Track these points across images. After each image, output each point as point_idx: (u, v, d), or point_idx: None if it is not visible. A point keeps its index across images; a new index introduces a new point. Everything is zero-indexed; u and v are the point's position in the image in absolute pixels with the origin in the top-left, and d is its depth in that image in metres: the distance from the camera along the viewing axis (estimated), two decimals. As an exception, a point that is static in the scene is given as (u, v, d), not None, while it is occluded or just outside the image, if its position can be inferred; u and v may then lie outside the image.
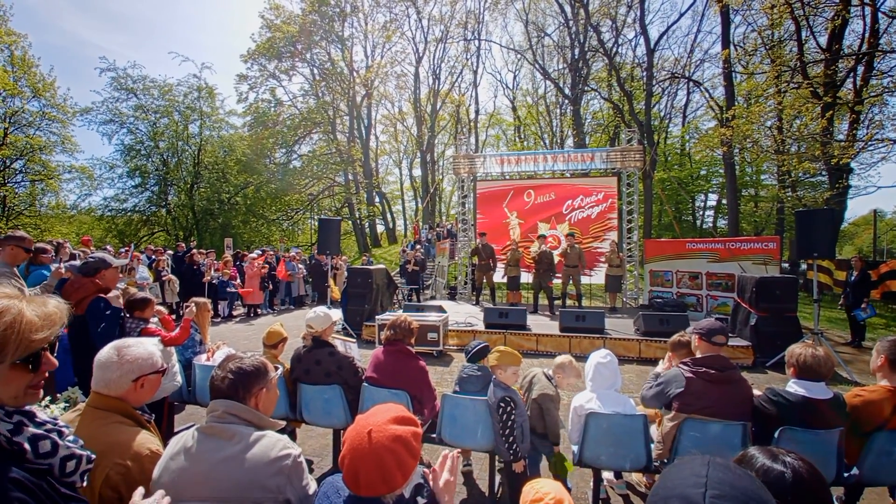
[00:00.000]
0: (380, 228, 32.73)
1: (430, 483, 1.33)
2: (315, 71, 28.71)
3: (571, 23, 25.24)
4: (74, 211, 25.58)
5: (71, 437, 1.03)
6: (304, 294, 13.22)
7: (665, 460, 2.61)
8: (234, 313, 11.36)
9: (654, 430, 2.90)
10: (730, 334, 7.03)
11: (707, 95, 22.83)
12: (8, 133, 20.44)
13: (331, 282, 8.89)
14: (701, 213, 30.14)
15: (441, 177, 32.73)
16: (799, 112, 13.19)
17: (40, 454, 0.91)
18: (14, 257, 3.59)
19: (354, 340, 3.86)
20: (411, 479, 1.22)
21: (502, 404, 2.66)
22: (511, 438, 2.64)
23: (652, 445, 2.67)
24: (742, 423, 2.40)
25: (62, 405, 1.86)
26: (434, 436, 2.97)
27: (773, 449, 0.93)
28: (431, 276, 14.78)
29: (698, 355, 2.66)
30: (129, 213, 25.58)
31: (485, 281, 10.90)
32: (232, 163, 26.63)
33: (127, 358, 1.48)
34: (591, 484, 3.11)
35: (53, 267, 4.02)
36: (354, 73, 28.44)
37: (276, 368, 1.71)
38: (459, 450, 1.51)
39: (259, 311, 11.28)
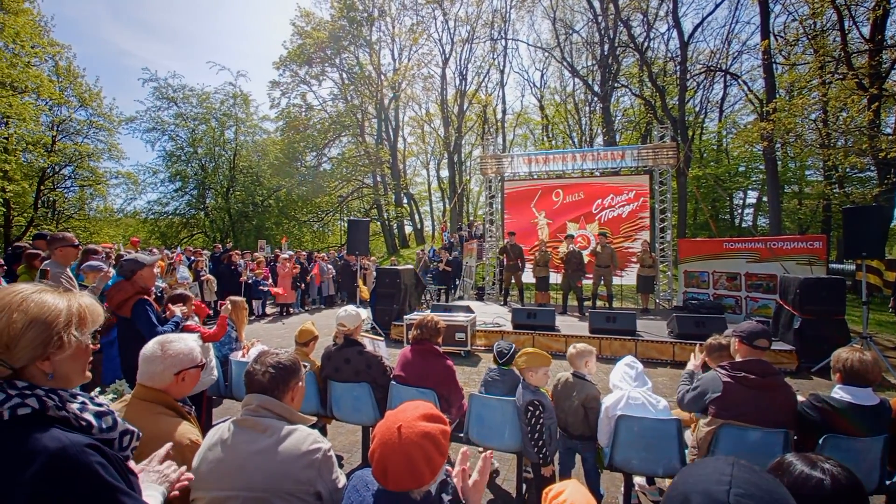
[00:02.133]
0: (408, 229, 33.00)
1: (454, 480, 1.34)
2: (344, 75, 29.28)
3: (600, 18, 24.71)
4: (121, 214, 27.11)
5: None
6: (333, 294, 13.51)
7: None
8: (268, 312, 11.72)
9: (688, 435, 2.81)
10: (772, 338, 6.73)
11: (746, 88, 21.88)
12: (56, 140, 21.79)
13: (360, 282, 9.03)
14: (740, 211, 28.89)
15: (468, 177, 32.67)
16: (844, 104, 12.47)
17: (103, 429, 1.00)
18: (65, 258, 3.82)
19: (383, 339, 3.92)
20: (438, 476, 1.24)
21: (531, 407, 2.64)
22: (540, 442, 2.61)
23: (687, 451, 2.59)
24: (783, 430, 2.29)
25: (110, 396, 1.98)
26: (461, 435, 2.98)
27: (811, 456, 0.90)
28: (459, 277, 14.79)
29: (738, 359, 2.56)
30: (170, 216, 26.85)
31: (513, 281, 10.82)
32: (265, 166, 27.50)
33: (169, 353, 1.58)
34: (622, 489, 3.05)
35: (84, 267, 4.25)
36: (382, 77, 28.81)
37: (305, 366, 1.78)
38: (490, 451, 1.52)
39: (291, 310, 11.60)
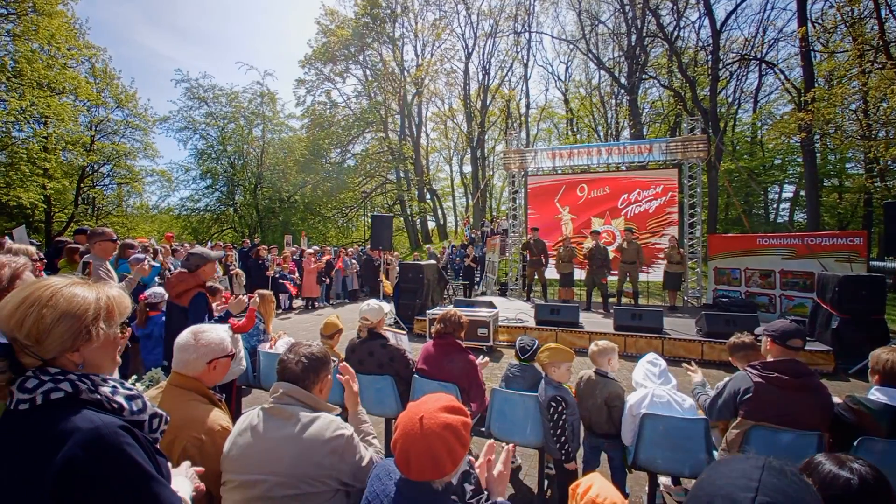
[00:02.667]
0: (430, 225, 33.10)
1: (477, 470, 1.35)
2: (367, 72, 29.50)
3: (628, 8, 24.06)
4: (156, 211, 28.22)
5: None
6: (357, 288, 13.71)
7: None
8: (294, 306, 12.00)
9: (715, 436, 2.74)
10: (808, 338, 6.47)
11: (782, 77, 20.94)
12: (95, 140, 22.80)
13: (382, 277, 9.14)
14: (775, 206, 27.77)
15: (492, 173, 32.47)
16: (884, 94, 11.80)
17: (134, 411, 1.04)
18: (104, 251, 4.00)
19: (405, 332, 3.96)
20: (459, 467, 1.25)
21: (553, 403, 2.62)
22: (562, 438, 2.60)
23: (715, 452, 2.53)
24: (817, 432, 2.21)
25: (146, 383, 2.08)
26: (483, 429, 2.99)
27: (840, 456, 0.87)
28: (481, 272, 14.78)
29: (769, 359, 2.47)
30: (201, 213, 27.75)
31: (536, 277, 10.73)
32: (291, 163, 28.05)
33: (202, 342, 1.65)
34: (647, 488, 3.00)
35: (131, 260, 4.44)
36: (405, 73, 28.90)
37: (334, 360, 1.82)
38: (513, 444, 1.53)
39: (316, 304, 11.84)
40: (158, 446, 1.09)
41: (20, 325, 0.93)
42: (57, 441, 0.88)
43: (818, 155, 20.17)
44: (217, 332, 1.72)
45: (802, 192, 22.32)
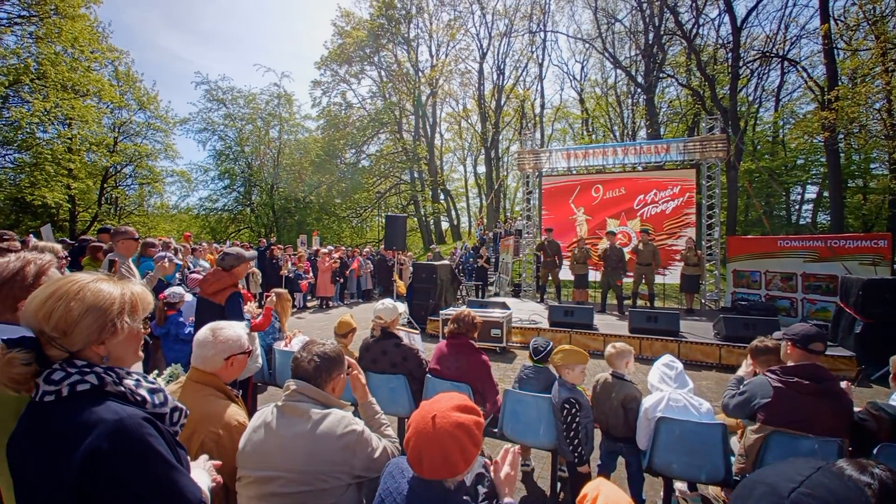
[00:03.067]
0: (444, 225, 33.15)
1: (492, 474, 1.35)
2: (382, 73, 29.70)
3: (645, 6, 23.71)
4: (175, 210, 28.82)
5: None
6: (371, 288, 13.81)
7: (747, 475, 2.41)
8: (308, 305, 12.13)
9: (733, 442, 2.69)
10: (830, 342, 6.30)
11: (805, 75, 20.37)
12: (118, 142, 23.41)
13: (396, 277, 9.17)
14: (797, 207, 27.04)
15: (506, 173, 32.38)
16: (907, 94, 11.43)
17: (156, 404, 1.07)
18: (127, 249, 4.11)
19: (418, 332, 3.98)
20: (473, 467, 1.25)
21: (567, 405, 2.60)
22: (576, 441, 2.58)
23: (733, 458, 2.48)
24: (837, 439, 2.17)
25: (167, 378, 2.13)
26: (496, 430, 2.98)
27: (862, 461, 0.85)
28: (495, 273, 14.74)
29: (790, 364, 2.41)
30: (219, 212, 28.29)
31: (550, 278, 10.66)
32: (307, 164, 28.39)
33: (220, 338, 1.68)
34: (662, 493, 2.96)
35: (156, 258, 4.54)
36: (419, 73, 29.00)
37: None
38: (519, 446, 1.53)
39: (331, 303, 11.94)
40: (178, 439, 1.11)
41: (48, 317, 0.96)
42: (82, 431, 0.91)
43: (842, 155, 19.60)
44: (235, 329, 1.75)
45: (825, 193, 21.72)
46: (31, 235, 6.65)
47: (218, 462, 1.37)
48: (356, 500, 1.53)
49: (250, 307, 3.73)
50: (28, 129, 18.15)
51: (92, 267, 4.75)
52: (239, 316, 3.16)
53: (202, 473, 1.25)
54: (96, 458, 0.89)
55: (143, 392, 1.05)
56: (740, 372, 2.88)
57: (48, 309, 0.97)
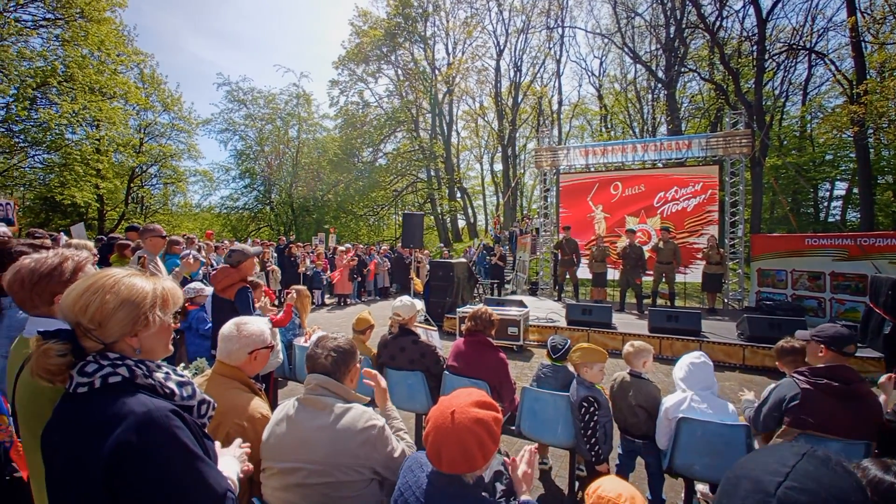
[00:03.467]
0: (461, 223, 33.14)
1: (510, 472, 1.36)
2: (399, 72, 29.77)
3: (667, -1, 23.22)
4: (198, 209, 29.50)
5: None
6: (388, 286, 13.91)
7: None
8: (326, 302, 12.29)
9: (756, 445, 2.63)
10: (859, 344, 6.10)
11: (833, 68, 19.62)
12: (143, 142, 24.08)
13: (413, 274, 9.22)
14: (825, 204, 26.12)
15: (522, 171, 32.17)
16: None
17: (185, 397, 1.10)
18: (154, 246, 4.24)
19: (436, 329, 4.00)
20: (491, 464, 1.26)
21: (585, 404, 2.59)
22: (593, 439, 2.56)
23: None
24: (865, 441, 2.13)
25: (193, 371, 2.19)
26: (513, 428, 2.98)
27: (887, 461, 0.84)
28: (512, 272, 14.67)
29: (820, 365, 2.35)
30: (240, 211, 28.84)
31: (567, 277, 10.56)
32: (325, 163, 28.70)
33: (244, 333, 1.73)
34: (683, 495, 2.92)
35: (182, 255, 4.68)
36: (436, 71, 28.99)
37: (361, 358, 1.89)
38: (536, 444, 1.53)
39: (348, 300, 12.08)
40: (205, 431, 1.14)
41: (84, 309, 1.01)
42: (112, 422, 0.94)
43: (871, 150, 18.85)
44: (258, 324, 1.80)
45: (855, 190, 20.94)
46: (62, 233, 6.89)
47: (248, 448, 1.41)
48: (378, 498, 1.55)
49: (265, 302, 3.81)
50: (57, 131, 18.72)
51: (120, 264, 4.90)
52: (247, 310, 3.24)
53: (232, 461, 1.28)
54: (124, 449, 0.92)
55: (172, 385, 1.08)
56: (746, 397, 2.82)
57: (85, 301, 1.01)
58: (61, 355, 0.98)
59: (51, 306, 1.37)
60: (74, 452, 0.95)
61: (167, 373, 1.11)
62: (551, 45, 29.35)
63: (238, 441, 1.38)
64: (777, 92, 24.72)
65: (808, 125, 25.26)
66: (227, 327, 1.76)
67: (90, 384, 0.98)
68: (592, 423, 2.56)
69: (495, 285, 12.79)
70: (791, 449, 0.66)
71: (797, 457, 0.63)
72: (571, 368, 2.90)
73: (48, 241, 4.64)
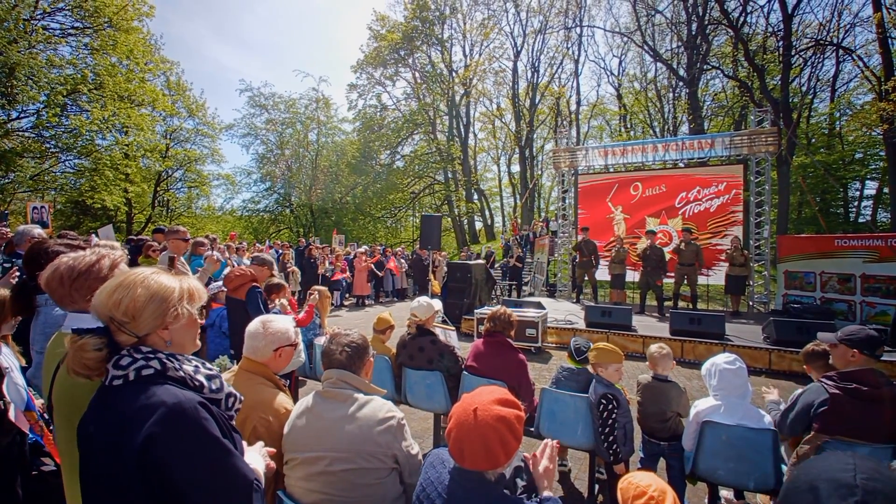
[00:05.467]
0: (478, 225, 33.10)
1: (531, 468, 1.36)
2: (416, 74, 29.96)
3: (688, -4, 22.75)
4: (221, 212, 30.24)
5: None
6: (406, 287, 13.99)
7: (787, 484, 2.27)
8: (345, 303, 12.43)
9: (785, 450, 2.56)
10: (888, 348, 5.88)
11: (861, 64, 18.95)
12: (169, 147, 24.83)
13: (431, 276, 9.26)
14: (856, 204, 25.18)
15: (540, 172, 31.94)
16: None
17: (213, 389, 1.14)
18: (177, 247, 4.39)
19: (454, 329, 4.01)
20: (512, 460, 1.27)
21: (603, 401, 2.56)
22: (611, 438, 2.53)
23: (784, 467, 2.36)
24: (893, 445, 2.09)
25: (216, 369, 2.26)
26: (532, 429, 2.97)
27: None
28: (529, 273, 14.59)
29: (849, 369, 2.28)
30: (261, 213, 29.46)
31: (586, 278, 10.45)
32: (343, 165, 29.07)
33: (270, 330, 1.79)
34: (707, 501, 2.86)
35: (206, 255, 4.81)
36: (453, 74, 29.07)
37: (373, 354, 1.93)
38: (557, 440, 1.53)
39: (367, 301, 12.19)
40: (233, 424, 1.18)
41: (118, 304, 1.06)
42: (144, 413, 0.98)
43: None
44: (283, 322, 1.86)
45: (885, 189, 20.14)
46: (93, 235, 7.16)
47: (272, 450, 1.45)
48: (398, 490, 1.58)
49: (282, 302, 3.89)
50: (87, 137, 19.42)
51: (148, 265, 5.06)
52: (257, 309, 3.32)
53: (257, 457, 1.32)
54: (156, 438, 0.96)
55: (201, 378, 1.12)
56: (772, 396, 2.76)
57: (118, 297, 1.07)
58: (97, 349, 1.03)
59: (89, 302, 1.43)
60: (110, 442, 0.99)
61: (196, 366, 1.15)
62: (569, 45, 29.14)
63: (261, 443, 1.42)
64: (804, 89, 23.95)
65: (837, 122, 24.40)
66: (254, 325, 1.82)
67: (125, 377, 1.02)
68: (611, 421, 2.53)
69: (512, 286, 12.74)
70: (837, 454, 0.75)
71: (850, 457, 0.72)
72: (592, 371, 2.87)
73: (81, 243, 4.84)
